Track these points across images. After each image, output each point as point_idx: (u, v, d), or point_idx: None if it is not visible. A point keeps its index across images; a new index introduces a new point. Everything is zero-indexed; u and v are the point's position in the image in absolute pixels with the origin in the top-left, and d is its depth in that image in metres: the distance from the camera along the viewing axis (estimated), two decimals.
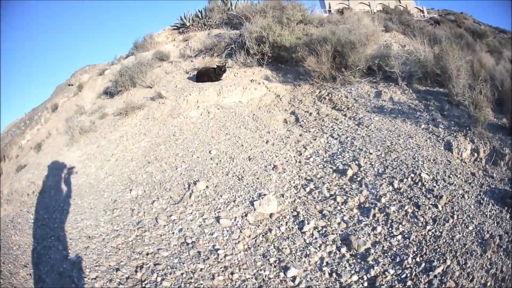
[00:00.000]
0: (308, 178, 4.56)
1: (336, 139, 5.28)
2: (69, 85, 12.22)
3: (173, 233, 3.93)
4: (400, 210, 3.62)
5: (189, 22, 12.67)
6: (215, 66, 8.21)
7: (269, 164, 5.02)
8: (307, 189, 4.34)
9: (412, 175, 4.00)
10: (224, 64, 8.25)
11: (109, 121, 7.84)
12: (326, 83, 6.99)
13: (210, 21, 12.29)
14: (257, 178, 4.70)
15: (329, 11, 34.61)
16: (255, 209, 4.07)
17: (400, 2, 43.62)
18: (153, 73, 9.18)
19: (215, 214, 4.12)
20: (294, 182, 4.54)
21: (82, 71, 12.66)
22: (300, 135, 5.72)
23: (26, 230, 4.82)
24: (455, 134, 4.64)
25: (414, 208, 3.60)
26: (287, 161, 5.03)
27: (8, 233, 4.96)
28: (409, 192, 3.83)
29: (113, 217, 4.46)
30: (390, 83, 6.31)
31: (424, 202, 3.64)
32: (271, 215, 4.02)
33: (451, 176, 3.95)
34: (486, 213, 3.40)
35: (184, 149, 5.88)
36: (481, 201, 3.56)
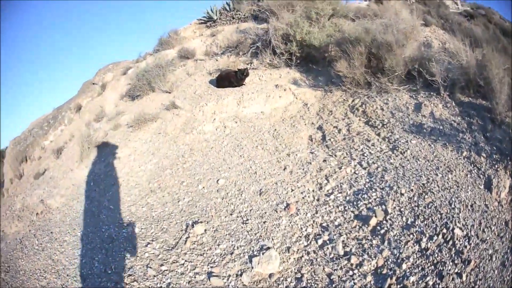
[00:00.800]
0: (324, 225, 4.00)
1: (365, 168, 4.60)
2: (93, 83, 12.29)
3: (161, 287, 3.64)
4: (420, 282, 3.03)
5: (216, 15, 12.22)
6: (237, 70, 7.73)
7: (282, 201, 4.50)
8: (320, 242, 3.80)
9: (444, 230, 3.36)
10: (246, 68, 7.75)
11: (122, 134, 7.66)
12: (360, 90, 6.26)
13: (239, 14, 11.75)
14: (264, 223, 4.22)
15: None
16: (252, 267, 3.62)
17: None
18: (173, 75, 8.90)
19: (208, 268, 3.74)
20: (306, 230, 4.00)
21: (106, 70, 12.65)
22: (324, 160, 5.08)
23: (31, 256, 5.11)
24: (496, 165, 3.93)
25: (436, 279, 3.01)
26: (303, 198, 4.48)
27: (17, 254, 5.38)
28: (436, 255, 3.20)
29: (106, 257, 4.31)
30: (431, 93, 5.47)
31: (449, 270, 3.04)
32: (270, 275, 3.54)
33: (485, 229, 3.32)
34: (505, 278, 2.88)
35: (190, 176, 5.52)
36: (505, 263, 3.02)
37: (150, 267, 3.90)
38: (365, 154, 4.83)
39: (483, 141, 4.32)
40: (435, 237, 3.37)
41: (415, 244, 3.39)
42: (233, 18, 11.75)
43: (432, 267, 3.13)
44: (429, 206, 3.67)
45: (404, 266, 3.23)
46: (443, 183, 3.89)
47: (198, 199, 4.95)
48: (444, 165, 4.14)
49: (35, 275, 4.65)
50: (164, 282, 3.69)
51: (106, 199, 5.74)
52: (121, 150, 6.90)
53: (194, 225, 4.39)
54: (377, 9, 9.67)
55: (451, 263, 3.10)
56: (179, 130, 6.93)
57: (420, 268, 3.16)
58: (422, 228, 3.50)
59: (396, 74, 5.79)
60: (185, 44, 10.89)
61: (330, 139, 5.48)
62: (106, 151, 7.25)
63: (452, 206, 3.59)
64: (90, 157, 7.26)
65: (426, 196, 3.79)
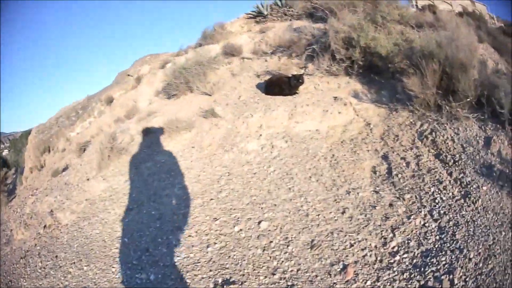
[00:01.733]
0: None
1: (436, 220, 3.78)
2: (128, 75, 11.76)
3: None
4: None
5: (266, 10, 11.36)
6: (290, 75, 6.75)
7: (338, 261, 3.48)
8: None
9: None
10: (301, 74, 6.74)
11: (149, 142, 6.79)
12: (429, 113, 5.36)
13: (292, 11, 10.90)
14: None
15: (416, 6, 36.50)
16: None
17: (475, 6, 44.80)
18: (215, 75, 8.05)
19: None
20: None
21: (143, 61, 12.08)
22: (391, 204, 4.12)
23: (33, 279, 4.63)
24: None
25: None
26: (363, 257, 3.49)
27: (19, 271, 4.96)
28: None
29: None
30: (498, 125, 4.72)
31: None
32: None
33: None
34: None
35: (226, 211, 4.48)
36: None
37: None
38: (437, 200, 4.08)
39: None
40: None
41: None
42: (285, 14, 11.09)
43: None
44: (490, 274, 3.15)
45: None
46: (504, 244, 3.39)
47: (233, 246, 3.92)
48: (508, 220, 3.65)
49: None
50: None
51: (121, 227, 4.85)
52: (145, 165, 6.00)
53: (225, 286, 3.40)
54: (433, 19, 8.99)
55: None
56: (216, 146, 5.95)
57: None
58: None
59: (468, 100, 5.08)
60: (231, 39, 10.09)
61: (397, 174, 4.62)
62: (129, 162, 6.38)
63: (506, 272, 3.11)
64: (109, 168, 6.41)
65: (489, 262, 3.25)
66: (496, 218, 3.61)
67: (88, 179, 6.33)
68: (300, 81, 6.64)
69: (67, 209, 5.66)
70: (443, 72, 5.31)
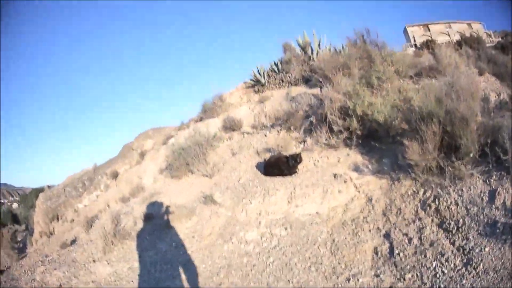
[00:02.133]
0: None
1: None
2: (132, 149, 12.03)
3: None
4: None
5: (264, 78, 11.59)
6: (288, 155, 6.81)
7: None
8: None
9: None
10: (298, 153, 6.81)
11: (151, 227, 6.82)
12: (431, 177, 5.25)
13: (289, 76, 11.09)
14: None
15: (415, 45, 38.10)
16: None
17: (472, 28, 47.56)
18: (215, 154, 8.16)
19: None
20: None
21: (146, 136, 12.39)
22: (391, 287, 4.12)
23: None
24: None
25: None
26: None
27: None
28: None
29: None
30: (502, 173, 4.66)
31: None
32: None
33: None
34: None
35: None
36: None
37: None
38: (438, 275, 4.05)
39: None
40: None
41: None
42: (282, 81, 11.23)
43: None
44: None
45: None
46: None
47: None
48: (508, 273, 3.62)
49: None
50: None
51: None
52: (148, 253, 6.01)
53: None
54: (432, 61, 9.16)
55: None
56: (216, 236, 5.94)
57: None
58: None
59: (471, 155, 4.96)
60: (230, 111, 10.31)
61: (399, 253, 4.57)
62: (132, 248, 6.38)
63: None
64: (113, 252, 6.44)
65: None
66: (496, 276, 3.62)
67: (94, 261, 6.35)
68: (298, 161, 6.69)
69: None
70: (443, 132, 5.25)
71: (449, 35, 47.51)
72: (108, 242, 6.50)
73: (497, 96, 7.02)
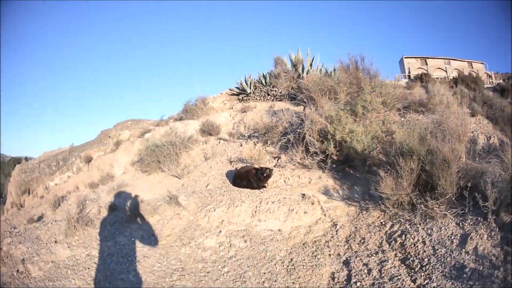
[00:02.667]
0: None
1: None
2: (109, 136, 12.09)
3: None
4: None
5: (250, 88, 11.66)
6: (257, 167, 6.85)
7: None
8: None
9: None
10: (268, 168, 6.81)
11: (113, 218, 6.81)
12: (402, 212, 5.35)
13: (275, 91, 11.17)
14: None
15: (409, 76, 38.39)
16: None
17: (472, 67, 47.94)
18: (188, 156, 8.20)
19: None
20: None
21: (124, 126, 12.45)
22: None
23: None
24: None
25: None
26: None
27: None
28: None
29: None
30: (479, 218, 4.70)
31: None
32: None
33: None
34: None
35: None
36: None
37: None
38: None
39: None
40: None
41: None
42: (268, 94, 11.22)
43: None
44: None
45: None
46: None
47: None
48: None
49: None
50: None
51: None
52: (106, 244, 6.00)
53: None
54: (423, 96, 9.32)
55: None
56: (175, 237, 5.97)
57: None
58: None
59: (447, 197, 4.98)
60: (211, 116, 10.34)
61: (356, 282, 4.52)
62: (93, 235, 6.37)
63: None
64: (74, 237, 6.39)
65: None
66: None
67: (55, 242, 6.34)
68: (266, 175, 6.69)
69: (35, 264, 5.69)
70: (421, 170, 5.30)
71: (446, 71, 47.66)
72: (70, 226, 6.48)
73: (486, 139, 7.16)
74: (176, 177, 7.76)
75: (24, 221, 8.55)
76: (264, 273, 5.03)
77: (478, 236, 4.43)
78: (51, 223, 7.31)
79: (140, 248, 5.86)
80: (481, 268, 4.01)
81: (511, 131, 7.49)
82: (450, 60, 50.33)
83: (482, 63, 50.75)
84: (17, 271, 5.65)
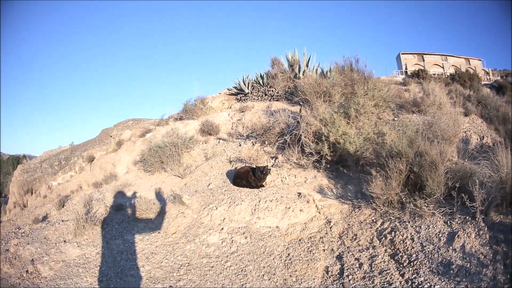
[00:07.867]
0: None
1: None
2: (110, 136, 12.26)
3: None
4: None
5: (247, 88, 11.92)
6: (255, 166, 7.22)
7: None
8: None
9: None
10: (265, 166, 7.21)
11: (120, 218, 7.18)
12: (392, 210, 5.70)
13: (272, 91, 11.44)
14: None
15: (406, 72, 38.09)
16: None
17: (469, 63, 47.72)
18: (190, 156, 8.50)
19: None
20: None
21: (125, 126, 12.62)
22: None
23: None
24: None
25: None
26: None
27: None
28: None
29: None
30: (467, 217, 4.98)
31: None
32: None
33: None
34: None
35: None
36: None
37: None
38: None
39: (501, 272, 4.01)
40: None
41: None
42: (265, 94, 11.40)
43: None
44: None
45: None
46: None
47: None
48: None
49: None
50: None
51: None
52: (115, 242, 6.35)
53: None
54: (418, 95, 9.58)
55: None
56: (181, 235, 6.37)
57: None
58: None
59: (435, 197, 5.28)
60: (210, 116, 10.59)
61: (348, 275, 4.89)
62: (102, 235, 6.72)
63: None
64: (84, 236, 6.72)
65: None
66: None
67: (65, 241, 6.60)
68: (265, 173, 7.06)
69: (46, 264, 5.95)
70: (410, 171, 5.63)
71: (443, 67, 47.13)
72: (79, 226, 6.78)
73: (479, 139, 7.39)
74: (179, 177, 8.07)
75: (29, 221, 8.77)
76: (264, 267, 5.42)
77: (465, 235, 4.70)
78: (58, 223, 7.59)
79: (148, 246, 6.23)
80: (468, 265, 4.28)
81: (505, 131, 7.52)
82: (447, 57, 49.50)
83: (480, 60, 50.01)
84: (27, 271, 5.92)
